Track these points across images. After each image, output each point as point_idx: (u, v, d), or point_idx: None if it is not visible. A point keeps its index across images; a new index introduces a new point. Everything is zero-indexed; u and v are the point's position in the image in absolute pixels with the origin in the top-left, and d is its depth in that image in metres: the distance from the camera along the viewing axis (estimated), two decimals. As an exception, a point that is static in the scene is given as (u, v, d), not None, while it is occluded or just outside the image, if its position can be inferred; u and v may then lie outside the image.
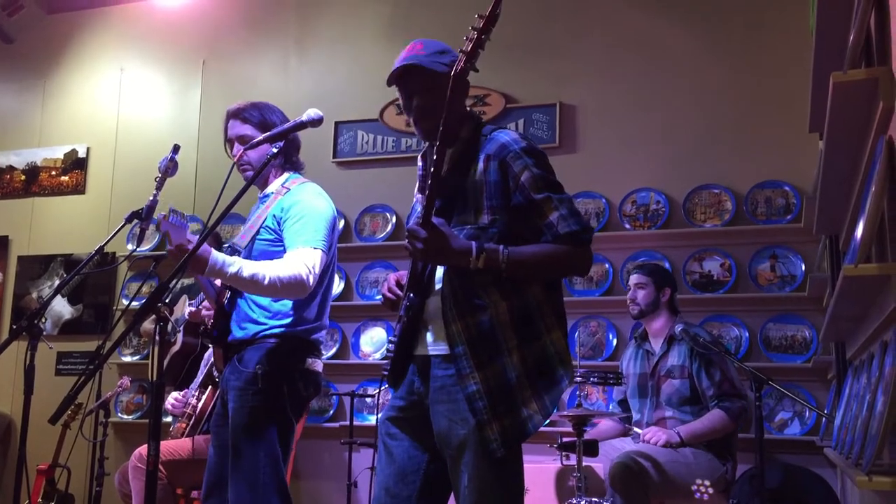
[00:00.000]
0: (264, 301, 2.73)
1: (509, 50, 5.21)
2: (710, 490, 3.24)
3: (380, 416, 2.15)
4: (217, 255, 2.49)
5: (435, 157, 1.91)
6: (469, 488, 1.91)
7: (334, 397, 5.08)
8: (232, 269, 2.50)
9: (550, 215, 1.97)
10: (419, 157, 2.23)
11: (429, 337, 2.03)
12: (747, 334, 4.48)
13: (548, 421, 4.49)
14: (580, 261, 2.00)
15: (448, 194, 2.02)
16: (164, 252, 5.41)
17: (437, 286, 2.02)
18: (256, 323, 2.72)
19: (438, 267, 2.03)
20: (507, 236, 1.97)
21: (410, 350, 2.08)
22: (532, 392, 1.92)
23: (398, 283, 2.13)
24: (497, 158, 2.01)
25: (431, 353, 2.02)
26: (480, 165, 2.02)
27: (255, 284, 2.54)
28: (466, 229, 1.99)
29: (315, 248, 2.65)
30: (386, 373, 2.11)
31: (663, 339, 3.75)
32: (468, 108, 2.19)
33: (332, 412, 5.11)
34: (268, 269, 2.55)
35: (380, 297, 2.37)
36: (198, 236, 2.52)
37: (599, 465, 3.66)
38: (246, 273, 2.52)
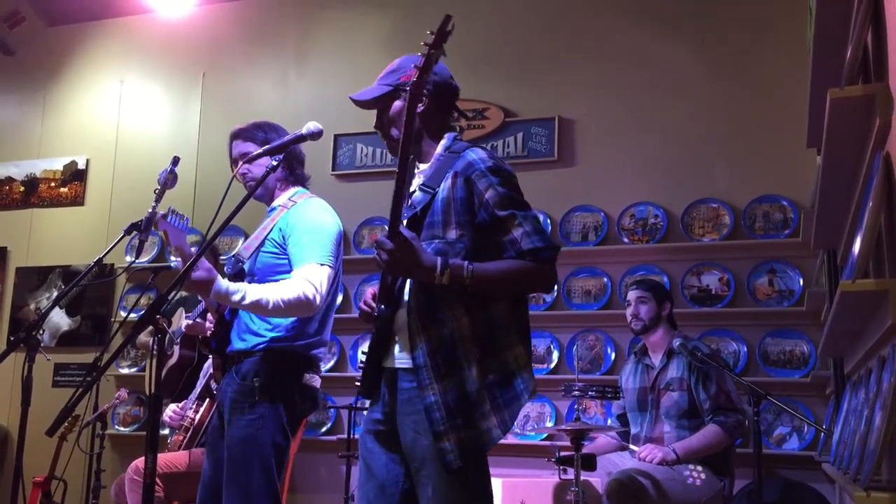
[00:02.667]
0: None
1: (508, 64, 5.23)
2: (703, 476, 3.24)
3: (359, 430, 2.18)
4: (222, 282, 2.49)
5: (397, 170, 1.93)
6: (433, 500, 1.93)
7: (332, 410, 5.07)
8: (237, 297, 2.52)
9: (514, 231, 1.98)
10: None
11: (396, 349, 2.07)
12: (745, 349, 4.48)
13: (544, 435, 4.53)
14: (543, 277, 2.01)
15: (419, 208, 2.06)
16: (163, 264, 5.41)
17: (406, 298, 2.04)
18: (256, 335, 2.72)
19: (406, 282, 2.05)
20: (473, 252, 2.00)
21: (381, 362, 2.11)
22: (492, 405, 1.94)
23: (374, 296, 2.15)
24: (463, 176, 2.04)
25: (398, 365, 2.05)
26: (448, 182, 2.05)
27: (260, 309, 2.57)
28: (435, 243, 2.02)
29: (322, 265, 2.66)
30: (359, 384, 2.13)
31: (663, 352, 3.75)
32: (449, 123, 2.22)
33: (329, 425, 5.10)
34: (271, 294, 2.55)
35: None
36: (196, 248, 2.53)
37: (597, 480, 3.65)
38: (249, 299, 2.53)
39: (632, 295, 3.87)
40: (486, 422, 1.92)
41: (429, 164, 2.14)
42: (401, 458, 2.06)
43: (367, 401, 2.18)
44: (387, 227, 1.95)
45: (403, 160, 1.94)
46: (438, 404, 1.92)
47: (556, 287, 2.10)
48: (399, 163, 1.93)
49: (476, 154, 2.08)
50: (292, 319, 2.72)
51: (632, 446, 3.70)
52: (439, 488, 1.93)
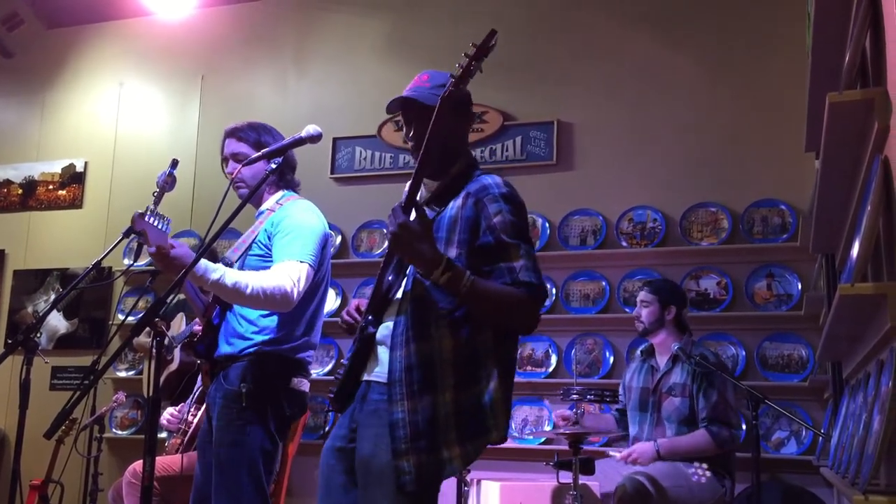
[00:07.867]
0: (252, 316, 2.72)
1: (508, 68, 5.22)
2: (708, 473, 3.25)
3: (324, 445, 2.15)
4: (201, 261, 2.49)
5: (422, 152, 1.95)
6: None
7: (329, 414, 5.06)
8: (214, 276, 2.49)
9: (515, 261, 1.96)
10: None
11: (376, 362, 2.04)
12: (744, 353, 4.48)
13: (543, 439, 4.52)
14: (530, 312, 1.98)
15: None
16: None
17: (395, 311, 2.02)
18: (243, 338, 2.71)
19: (399, 292, 2.04)
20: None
21: (360, 375, 2.08)
22: (457, 435, 1.90)
23: (357, 309, 2.14)
24: (475, 197, 2.02)
25: (373, 378, 2.02)
26: (459, 201, 2.04)
27: (237, 293, 2.54)
28: None
29: (301, 262, 2.64)
30: (332, 396, 2.10)
31: (668, 356, 3.76)
32: (467, 141, 2.21)
33: (327, 429, 5.08)
34: (251, 279, 2.54)
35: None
36: (178, 242, 2.54)
37: (596, 484, 3.64)
38: (228, 281, 2.51)
39: (639, 296, 3.89)
40: (449, 451, 1.89)
41: (439, 182, 2.12)
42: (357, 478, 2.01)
43: None
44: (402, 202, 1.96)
45: (427, 154, 1.94)
46: (405, 422, 1.89)
47: (538, 321, 2.04)
48: (421, 158, 1.95)
49: (492, 180, 2.06)
50: (277, 322, 2.71)
51: (611, 452, 3.71)
52: None
